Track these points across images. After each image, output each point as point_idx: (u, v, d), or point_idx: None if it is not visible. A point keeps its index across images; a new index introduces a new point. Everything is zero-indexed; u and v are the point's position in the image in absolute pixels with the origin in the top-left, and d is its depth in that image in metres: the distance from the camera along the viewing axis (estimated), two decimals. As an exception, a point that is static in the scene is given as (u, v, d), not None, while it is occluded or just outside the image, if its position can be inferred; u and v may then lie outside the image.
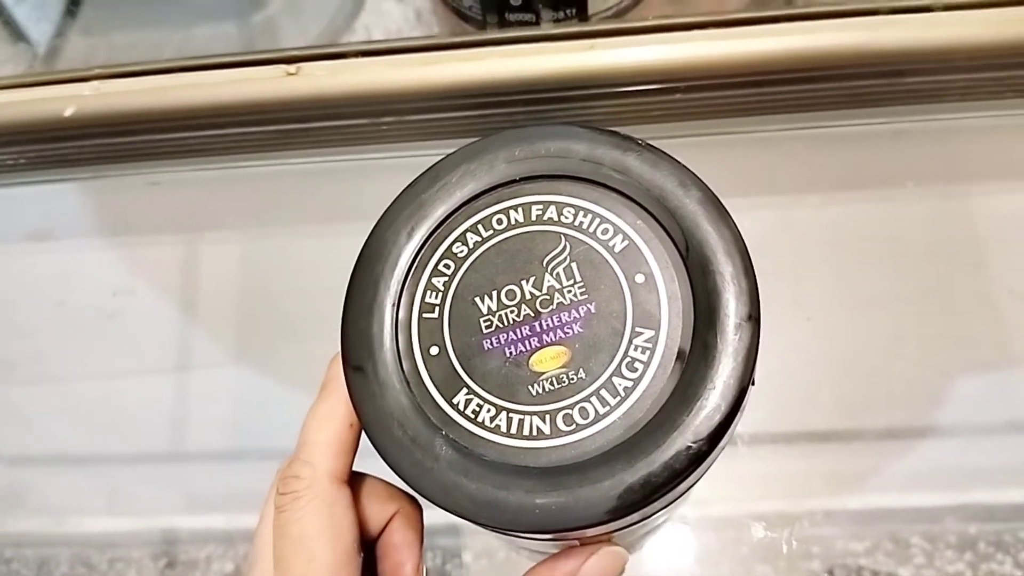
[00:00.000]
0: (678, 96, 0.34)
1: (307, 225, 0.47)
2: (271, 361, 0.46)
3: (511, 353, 0.24)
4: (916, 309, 0.41)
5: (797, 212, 0.43)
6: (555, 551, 0.26)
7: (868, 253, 0.42)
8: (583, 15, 0.41)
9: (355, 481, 0.26)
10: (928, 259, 0.42)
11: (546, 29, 0.34)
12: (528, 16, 0.41)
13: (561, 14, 0.41)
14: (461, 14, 0.44)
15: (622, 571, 0.26)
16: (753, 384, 0.23)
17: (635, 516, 0.23)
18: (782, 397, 0.40)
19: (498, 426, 0.24)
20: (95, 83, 0.36)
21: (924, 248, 0.42)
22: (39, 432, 0.46)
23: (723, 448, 0.24)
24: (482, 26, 0.43)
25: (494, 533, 0.25)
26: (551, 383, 0.24)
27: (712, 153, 0.42)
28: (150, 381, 0.46)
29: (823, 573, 0.37)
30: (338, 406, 0.25)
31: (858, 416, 0.40)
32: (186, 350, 0.46)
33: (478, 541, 0.40)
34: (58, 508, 0.44)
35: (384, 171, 0.43)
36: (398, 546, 0.25)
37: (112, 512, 0.43)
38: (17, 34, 0.50)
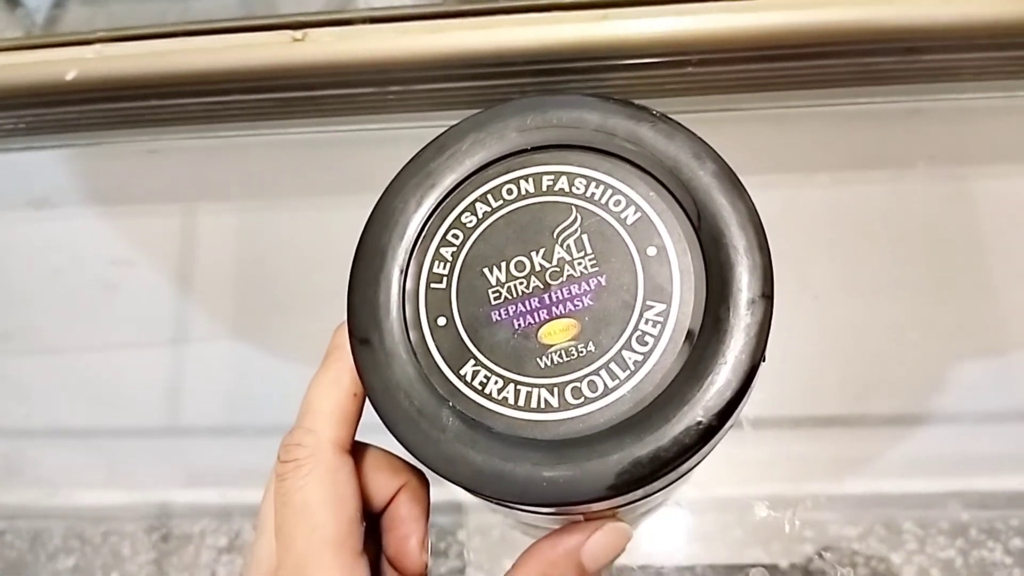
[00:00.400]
0: (690, 70, 0.34)
1: (309, 197, 0.47)
2: (269, 335, 0.45)
3: (520, 325, 0.24)
4: (922, 293, 0.41)
5: (806, 191, 0.42)
6: (558, 527, 0.26)
7: (876, 234, 0.42)
8: (594, -14, 0.40)
9: (360, 452, 0.25)
10: (936, 242, 0.42)
11: (558, -1, 0.34)
12: (539, -15, 0.40)
13: (573, -16, 0.40)
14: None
15: (625, 548, 0.26)
16: (764, 360, 0.23)
17: (641, 492, 0.23)
18: (785, 381, 0.40)
19: (506, 398, 0.23)
20: (98, 46, 0.36)
21: (933, 231, 0.42)
22: (34, 403, 0.46)
23: (732, 425, 0.23)
24: (491, -4, 0.42)
25: (498, 506, 0.25)
26: (560, 356, 0.24)
27: (722, 129, 0.41)
28: (147, 353, 0.45)
29: (815, 556, 0.37)
30: (342, 375, 0.24)
31: (860, 402, 0.40)
32: (183, 322, 0.46)
33: (474, 519, 0.40)
34: (52, 480, 0.44)
35: (389, 142, 0.42)
36: (404, 519, 0.25)
37: (106, 485, 0.43)
38: (16, 3, 0.50)
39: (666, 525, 0.39)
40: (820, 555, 0.37)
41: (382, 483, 0.25)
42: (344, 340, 0.24)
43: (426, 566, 0.25)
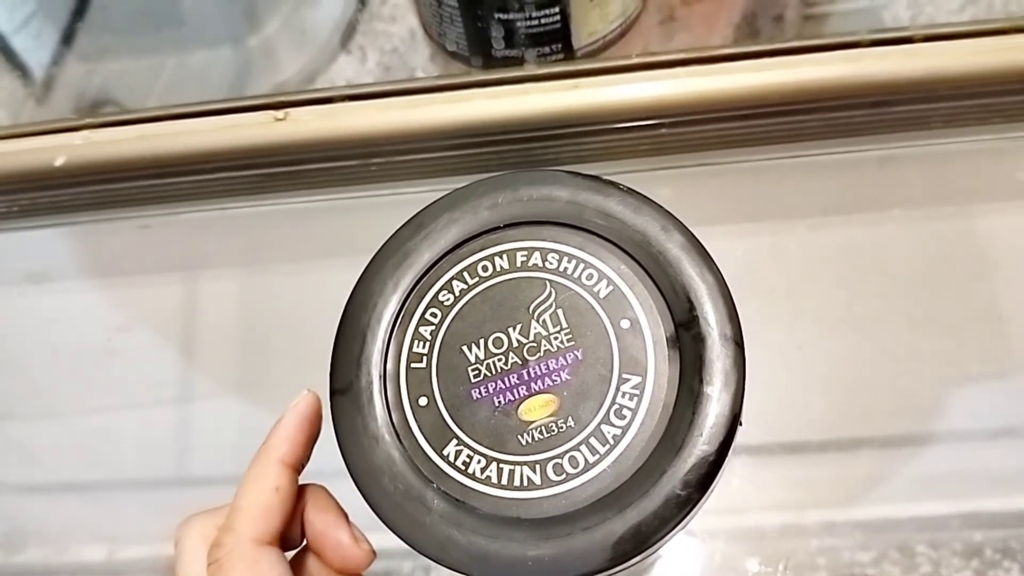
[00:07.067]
0: (664, 131, 0.34)
1: (301, 261, 0.47)
2: (271, 390, 0.46)
3: (500, 402, 0.24)
4: (910, 327, 0.42)
5: (786, 238, 0.43)
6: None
7: (859, 275, 0.42)
8: (568, 51, 0.41)
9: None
10: (919, 278, 0.42)
11: (531, 69, 0.34)
12: (513, 53, 0.41)
13: (547, 49, 0.41)
14: (448, 51, 0.44)
15: None
16: (741, 425, 0.24)
17: (626, 564, 0.23)
18: (785, 409, 0.40)
19: (489, 477, 0.24)
20: (85, 132, 0.37)
21: (914, 268, 0.42)
22: (40, 465, 0.46)
23: (713, 492, 0.24)
24: (468, 63, 0.43)
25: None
26: (540, 432, 0.24)
27: (701, 182, 0.42)
28: (152, 413, 0.46)
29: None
30: (264, 470, 0.25)
31: (865, 428, 0.40)
32: (186, 383, 0.47)
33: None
34: (61, 538, 0.44)
35: (375, 208, 0.43)
36: (324, 530, 0.25)
37: (115, 541, 0.43)
38: (14, 62, 0.51)
39: (670, 558, 0.39)
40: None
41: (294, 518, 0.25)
42: (274, 438, 0.25)
43: (372, 551, 0.25)
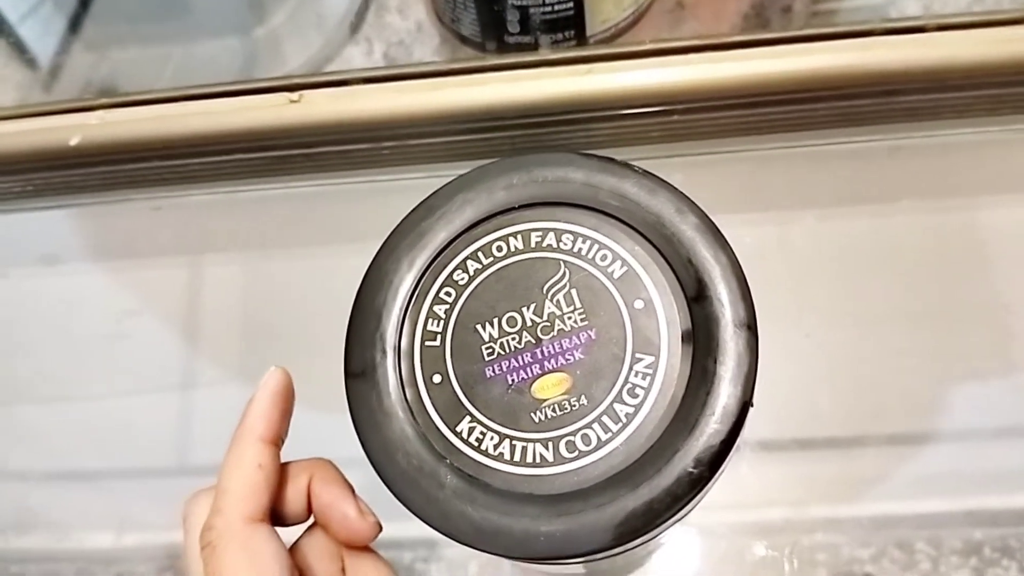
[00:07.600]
0: (676, 117, 0.35)
1: (309, 246, 0.48)
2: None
3: (513, 380, 0.25)
4: (916, 320, 0.42)
5: (795, 227, 0.43)
6: (563, 572, 0.27)
7: (866, 267, 0.42)
8: (581, 38, 0.41)
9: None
10: (926, 271, 0.42)
11: (544, 54, 0.34)
12: (527, 39, 0.41)
13: (560, 35, 0.41)
14: (461, 37, 0.44)
15: None
16: (752, 406, 0.24)
17: (637, 542, 0.23)
18: (787, 406, 0.40)
19: (501, 454, 0.24)
20: (100, 112, 0.37)
21: (922, 261, 0.42)
22: (45, 449, 0.46)
23: (724, 471, 0.24)
24: (482, 49, 0.43)
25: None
26: (553, 410, 0.24)
27: (711, 171, 0.42)
28: (156, 399, 0.46)
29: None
30: (244, 450, 0.25)
31: (866, 424, 0.40)
32: (191, 368, 0.47)
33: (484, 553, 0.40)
34: (63, 524, 0.44)
35: (385, 193, 0.43)
36: (330, 503, 0.25)
37: (117, 527, 0.44)
38: (22, 50, 0.51)
39: (669, 554, 0.39)
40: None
41: (293, 492, 0.25)
42: (251, 416, 0.25)
43: (377, 524, 0.25)
